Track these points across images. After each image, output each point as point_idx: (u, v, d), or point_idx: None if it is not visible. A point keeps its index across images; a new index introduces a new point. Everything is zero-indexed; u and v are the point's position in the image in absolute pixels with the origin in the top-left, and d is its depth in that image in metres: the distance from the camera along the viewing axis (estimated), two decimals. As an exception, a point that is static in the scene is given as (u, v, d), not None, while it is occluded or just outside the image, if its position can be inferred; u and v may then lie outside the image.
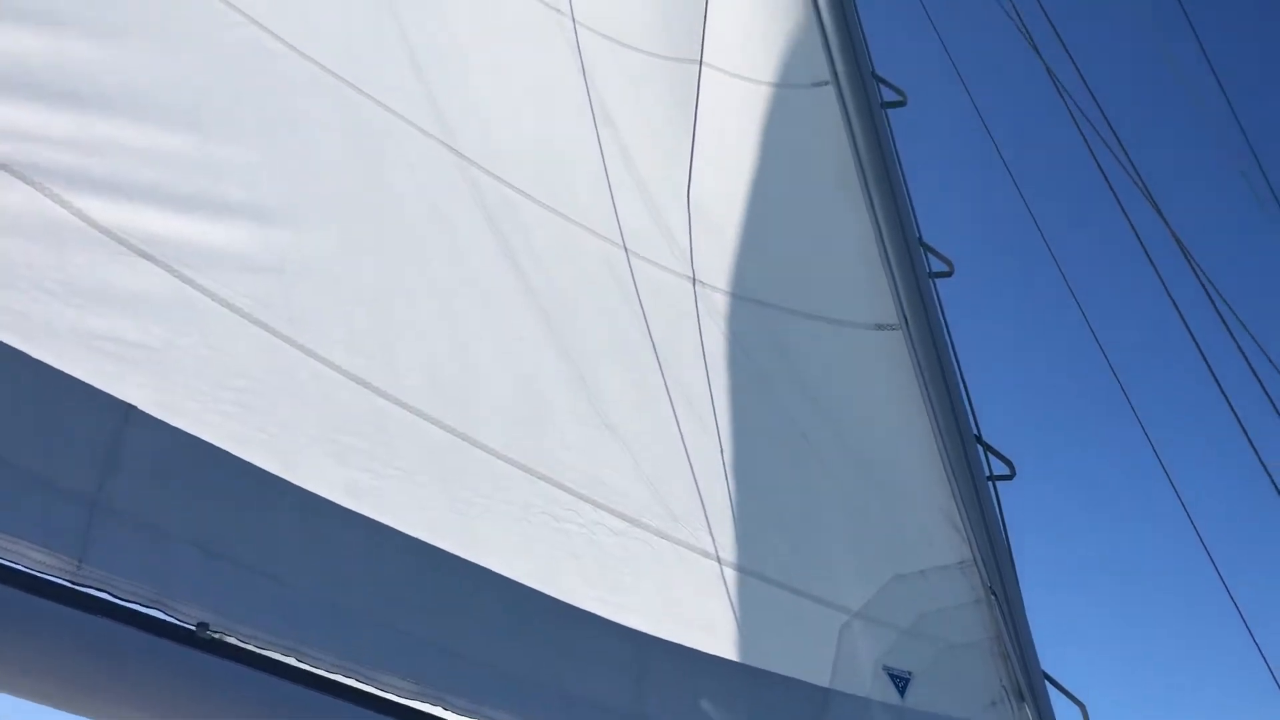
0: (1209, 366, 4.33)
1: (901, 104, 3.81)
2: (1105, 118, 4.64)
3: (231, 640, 1.98)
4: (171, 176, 2.36)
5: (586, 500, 2.63)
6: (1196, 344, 4.28)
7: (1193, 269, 3.96)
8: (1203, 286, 3.95)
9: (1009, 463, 3.30)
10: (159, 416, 2.09)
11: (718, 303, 3.29)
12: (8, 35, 2.25)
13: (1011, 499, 3.33)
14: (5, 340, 1.99)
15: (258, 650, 2.01)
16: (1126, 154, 4.17)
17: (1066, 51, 5.06)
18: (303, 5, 2.98)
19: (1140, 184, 4.04)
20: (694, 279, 3.30)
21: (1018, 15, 4.31)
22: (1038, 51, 4.16)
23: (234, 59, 2.69)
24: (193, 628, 1.94)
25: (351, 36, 3.08)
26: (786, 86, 3.89)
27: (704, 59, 3.87)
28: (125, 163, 2.30)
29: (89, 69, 2.37)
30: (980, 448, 3.29)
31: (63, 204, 2.15)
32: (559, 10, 3.73)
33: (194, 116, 2.50)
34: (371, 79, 2.98)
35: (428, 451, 2.44)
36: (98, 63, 2.39)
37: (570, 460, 2.67)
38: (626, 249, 3.25)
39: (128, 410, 2.05)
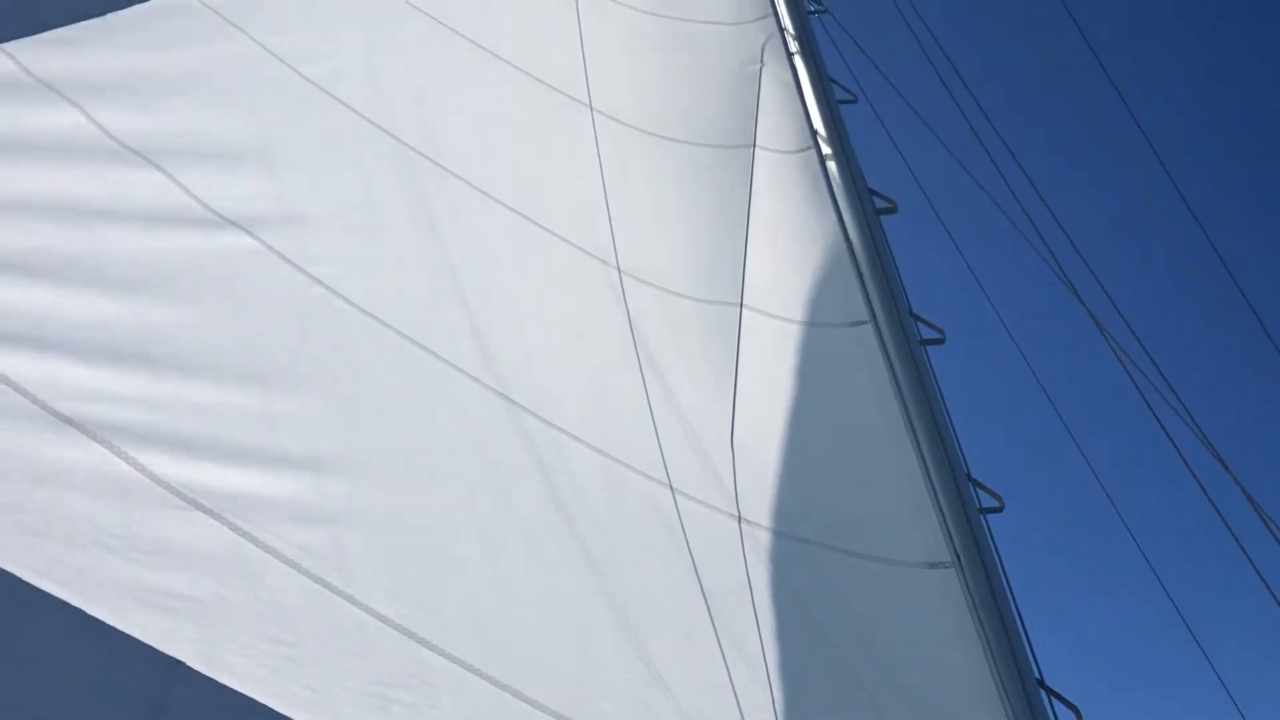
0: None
1: (940, 342, 3.89)
2: (1142, 345, 4.70)
3: None
4: (233, 431, 2.46)
5: None
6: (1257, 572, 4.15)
7: (1246, 495, 3.89)
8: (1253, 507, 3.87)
9: (1075, 708, 3.16)
10: (206, 672, 2.09)
11: (766, 542, 3.27)
12: (93, 303, 2.42)
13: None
14: (63, 596, 2.03)
15: None
16: (1170, 387, 4.18)
17: (1099, 283, 5.18)
18: (368, 266, 3.18)
19: (1186, 418, 4.03)
20: (741, 518, 3.30)
21: (1053, 257, 4.44)
22: (1075, 292, 4.25)
23: (300, 317, 2.85)
24: None
25: (411, 293, 3.25)
26: (825, 326, 4.00)
27: (744, 301, 4.00)
28: (190, 419, 2.40)
29: (163, 331, 2.52)
30: (1043, 692, 3.16)
31: (129, 460, 2.24)
32: (605, 261, 3.93)
33: (258, 372, 2.63)
34: (428, 332, 3.13)
35: (473, 705, 2.40)
36: (172, 324, 2.55)
37: (616, 712, 2.60)
38: (673, 489, 3.28)
39: (176, 666, 2.06)
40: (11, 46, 2.79)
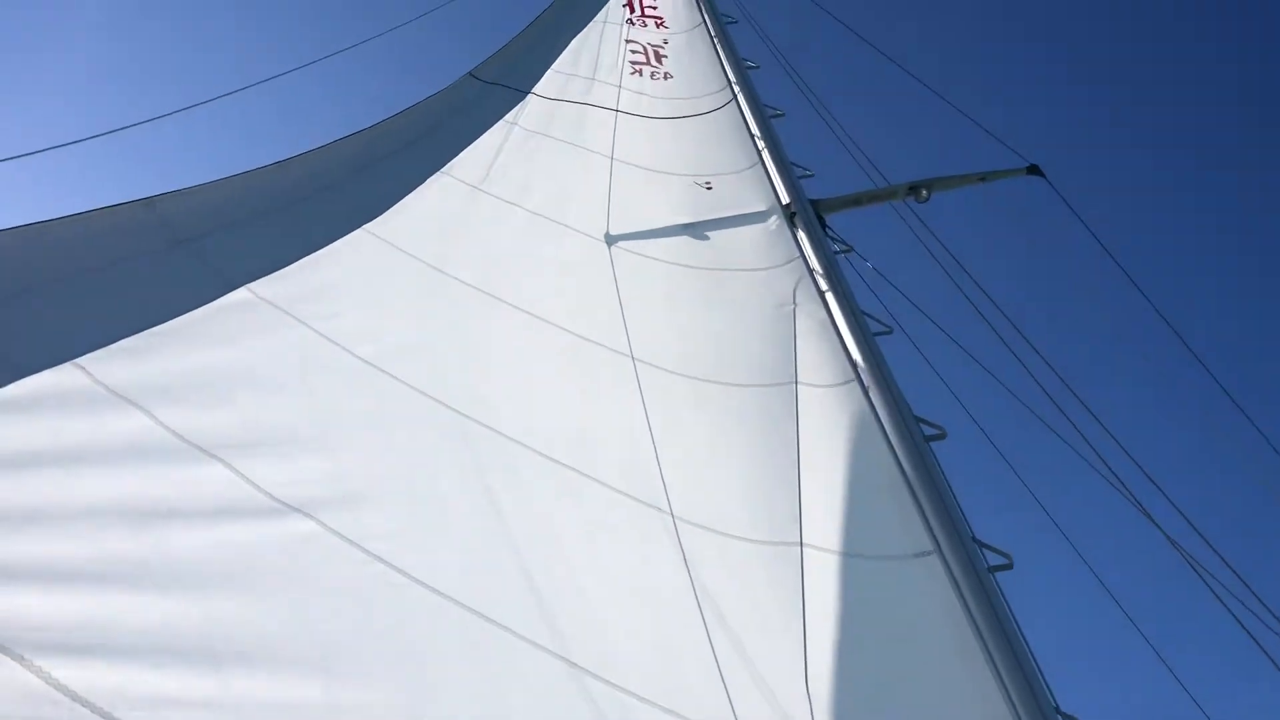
0: None
1: (1008, 567, 3.79)
2: (1206, 541, 4.55)
3: None
4: None
5: None
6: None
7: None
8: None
9: None
10: None
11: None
12: (159, 605, 2.45)
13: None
14: None
15: None
16: (1254, 592, 4.02)
17: (1164, 494, 5.07)
18: (425, 537, 3.21)
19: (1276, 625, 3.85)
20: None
21: (1110, 470, 4.39)
22: (1142, 509, 4.17)
23: (361, 598, 2.85)
24: None
25: (468, 560, 3.26)
26: (889, 559, 3.92)
27: (804, 540, 3.95)
28: (256, 716, 2.37)
29: (227, 626, 2.53)
30: None
31: None
32: (660, 510, 3.92)
33: (321, 660, 2.61)
34: (486, 599, 3.11)
35: None
36: (235, 619, 2.56)
37: None
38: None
39: None
40: (84, 360, 2.95)
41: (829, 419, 4.54)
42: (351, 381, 3.60)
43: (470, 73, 6.84)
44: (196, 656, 2.43)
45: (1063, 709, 3.36)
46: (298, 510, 2.94)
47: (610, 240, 5.68)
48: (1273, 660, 3.92)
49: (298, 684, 2.51)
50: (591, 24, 8.44)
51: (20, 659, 2.22)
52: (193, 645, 2.45)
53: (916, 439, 4.31)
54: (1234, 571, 4.10)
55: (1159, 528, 4.15)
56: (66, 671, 2.21)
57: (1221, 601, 4.01)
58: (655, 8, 9.05)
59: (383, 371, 3.71)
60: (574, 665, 3.07)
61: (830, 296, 5.12)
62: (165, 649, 2.40)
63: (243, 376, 3.30)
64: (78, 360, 2.92)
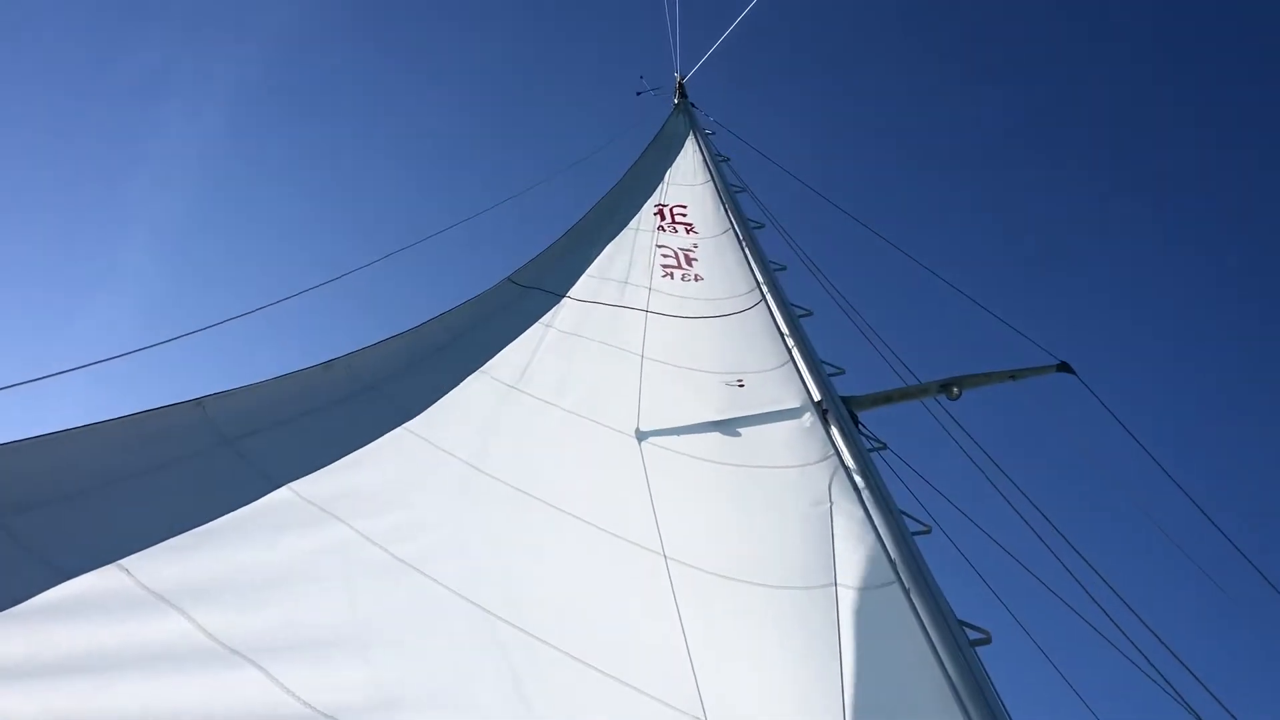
0: None
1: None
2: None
3: None
4: None
5: None
6: None
7: None
8: None
9: None
10: None
11: None
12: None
13: None
14: None
15: None
16: None
17: (1206, 689, 4.88)
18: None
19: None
20: None
21: (1153, 669, 4.23)
22: (1187, 704, 4.01)
23: None
24: None
25: None
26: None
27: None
28: None
29: None
30: None
31: None
32: (696, 717, 3.80)
33: None
34: None
35: None
36: None
37: None
38: None
39: None
40: (127, 561, 2.96)
41: (871, 623, 4.44)
42: (390, 582, 3.58)
43: (508, 278, 7.08)
44: None
45: None
46: (333, 718, 2.87)
47: (641, 436, 5.72)
48: None
49: None
50: (624, 231, 8.77)
51: None
52: None
53: (960, 644, 4.20)
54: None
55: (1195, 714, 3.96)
56: None
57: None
58: (685, 214, 9.41)
59: (421, 572, 3.69)
60: None
61: (866, 494, 5.09)
62: None
63: (282, 577, 3.29)
64: (120, 561, 2.93)
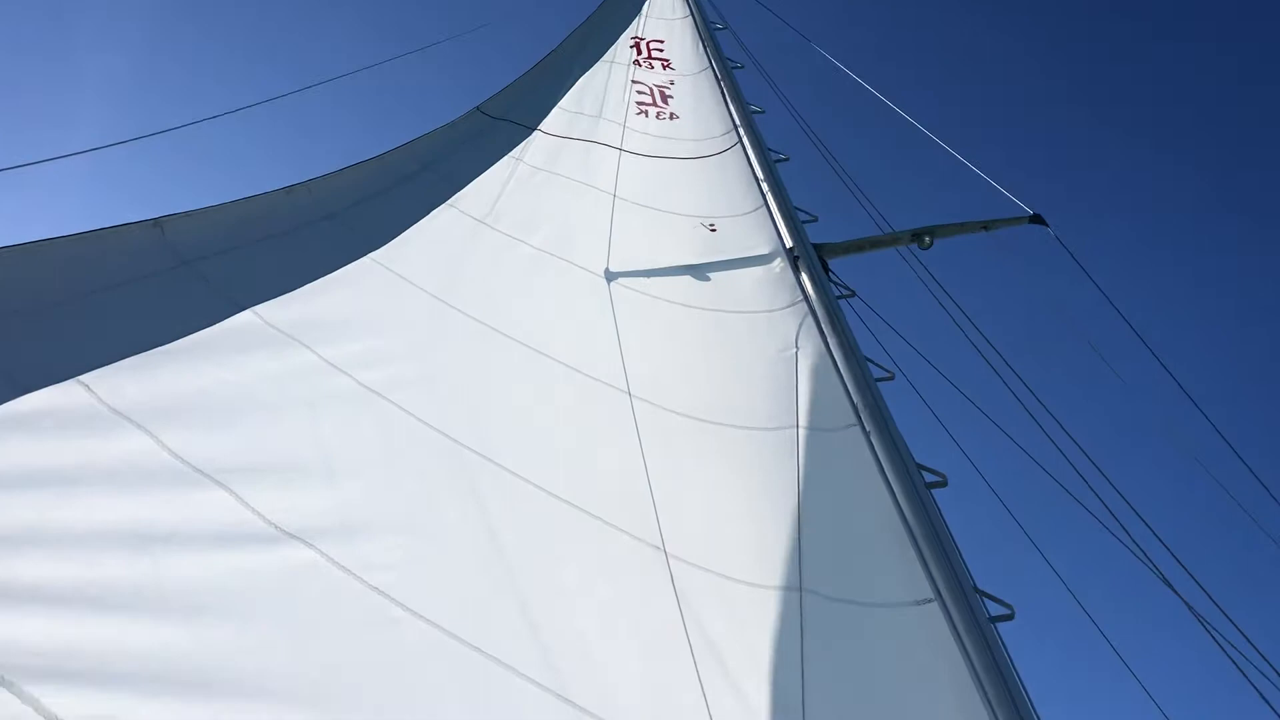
0: None
1: (1010, 618, 3.76)
2: (1208, 595, 4.52)
3: None
4: None
5: None
6: None
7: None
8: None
9: None
10: None
11: None
12: (154, 632, 2.40)
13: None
14: None
15: None
16: (1248, 640, 3.99)
17: (1156, 535, 5.05)
18: (424, 569, 3.16)
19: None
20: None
21: (1112, 518, 4.37)
22: (1147, 561, 4.15)
23: (359, 631, 2.80)
24: None
25: (468, 594, 3.21)
26: (890, 606, 3.89)
27: (803, 585, 3.91)
28: None
29: (223, 656, 2.48)
30: None
31: None
32: (657, 548, 3.89)
33: (318, 692, 2.56)
34: (486, 634, 3.06)
35: None
36: (232, 649, 2.51)
37: None
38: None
39: None
40: (88, 378, 2.92)
41: (831, 463, 4.52)
42: (355, 408, 3.57)
43: (478, 107, 6.87)
44: (191, 686, 2.38)
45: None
46: (298, 538, 2.90)
47: (610, 277, 5.68)
48: (1272, 708, 3.89)
49: (291, 715, 2.46)
50: (599, 64, 8.50)
51: (11, 686, 2.16)
52: (187, 674, 2.40)
53: (918, 486, 4.29)
54: (1234, 624, 4.07)
55: (1160, 575, 4.13)
56: (59, 700, 2.15)
57: (1225, 651, 3.98)
58: (662, 50, 9.12)
59: (387, 399, 3.68)
60: (572, 704, 3.02)
61: (832, 341, 5.11)
62: (160, 677, 2.35)
63: (247, 400, 3.27)
64: (81, 378, 2.89)
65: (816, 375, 4.98)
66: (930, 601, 3.82)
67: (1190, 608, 4.05)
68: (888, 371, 5.05)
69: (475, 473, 3.75)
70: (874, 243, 6.24)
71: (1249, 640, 4.04)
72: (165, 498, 2.74)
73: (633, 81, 8.35)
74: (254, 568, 2.74)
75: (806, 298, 5.47)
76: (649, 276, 5.86)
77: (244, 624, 2.58)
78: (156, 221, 3.72)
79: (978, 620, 3.71)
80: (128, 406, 2.92)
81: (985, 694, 3.45)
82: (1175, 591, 4.08)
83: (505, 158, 6.44)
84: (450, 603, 3.09)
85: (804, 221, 6.41)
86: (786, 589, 3.89)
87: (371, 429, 3.57)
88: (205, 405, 3.13)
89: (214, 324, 3.50)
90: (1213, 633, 3.95)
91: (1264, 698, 3.92)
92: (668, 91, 8.34)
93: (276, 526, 2.87)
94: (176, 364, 3.25)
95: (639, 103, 8.08)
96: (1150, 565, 4.16)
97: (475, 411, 4.05)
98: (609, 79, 8.30)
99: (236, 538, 2.78)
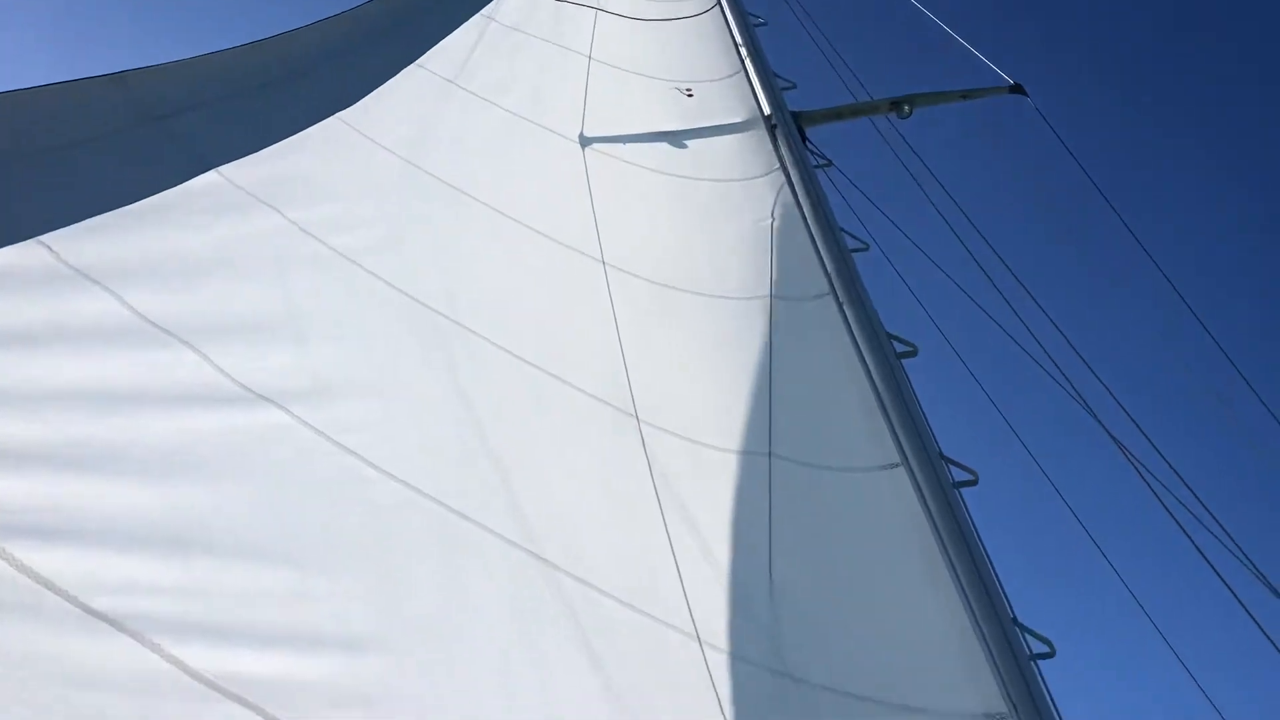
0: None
1: (973, 483, 3.84)
2: (1172, 467, 4.63)
3: None
4: (267, 614, 2.41)
5: None
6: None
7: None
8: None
9: None
10: None
11: (814, 699, 3.16)
12: (126, 491, 2.41)
13: None
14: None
15: None
16: (1205, 506, 4.11)
17: (1122, 407, 5.15)
18: (397, 432, 3.18)
19: (1225, 537, 3.95)
20: (788, 675, 3.19)
21: (1072, 387, 4.43)
22: (1101, 422, 4.23)
23: (332, 490, 2.83)
24: None
25: (440, 456, 3.24)
26: (856, 471, 3.96)
27: (772, 450, 3.98)
28: (225, 606, 2.36)
29: (195, 514, 2.50)
30: None
31: (160, 653, 2.19)
32: (629, 414, 3.92)
33: (291, 551, 2.60)
34: (459, 495, 3.10)
35: None
36: (204, 508, 2.53)
37: None
38: (714, 646, 3.19)
39: None
40: (48, 238, 2.86)
41: (802, 332, 4.55)
42: (325, 272, 3.53)
43: (448, -38, 6.61)
44: (164, 545, 2.40)
45: (1020, 619, 3.44)
46: (269, 400, 2.90)
47: (584, 142, 5.58)
48: (1216, 570, 4.04)
49: (266, 572, 2.50)
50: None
51: None
52: (160, 533, 2.42)
53: (888, 355, 4.33)
54: (1196, 495, 4.19)
55: (1120, 445, 4.22)
56: (34, 556, 2.17)
57: (1177, 522, 4.10)
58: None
59: (356, 264, 3.65)
60: (543, 560, 3.09)
61: (808, 210, 5.08)
62: (133, 535, 2.37)
63: (213, 262, 3.22)
64: (42, 238, 2.83)
65: (791, 244, 4.96)
66: (896, 466, 3.89)
67: (1144, 470, 4.15)
68: (862, 243, 5.04)
69: (447, 337, 3.75)
70: (853, 110, 6.15)
71: (1224, 529, 4.16)
72: (132, 358, 2.72)
73: (609, -63, 8.05)
74: (225, 429, 2.74)
75: (783, 166, 5.41)
76: (624, 143, 5.76)
77: (216, 484, 2.59)
78: (119, 76, 3.59)
79: (942, 485, 3.79)
80: (90, 266, 2.87)
81: (948, 556, 3.56)
82: (1129, 455, 4.18)
83: (477, 16, 6.24)
84: (422, 463, 3.12)
85: (782, 89, 6.30)
86: (756, 454, 3.95)
87: (341, 292, 3.54)
88: (170, 266, 3.09)
89: (179, 183, 3.42)
90: (1160, 495, 4.06)
91: (1214, 568, 4.06)
92: (645, -51, 8.05)
93: (246, 388, 2.86)
94: (140, 224, 3.18)
95: (616, -40, 7.80)
96: (1103, 427, 4.24)
97: (447, 277, 4.02)
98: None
99: (206, 399, 2.77)
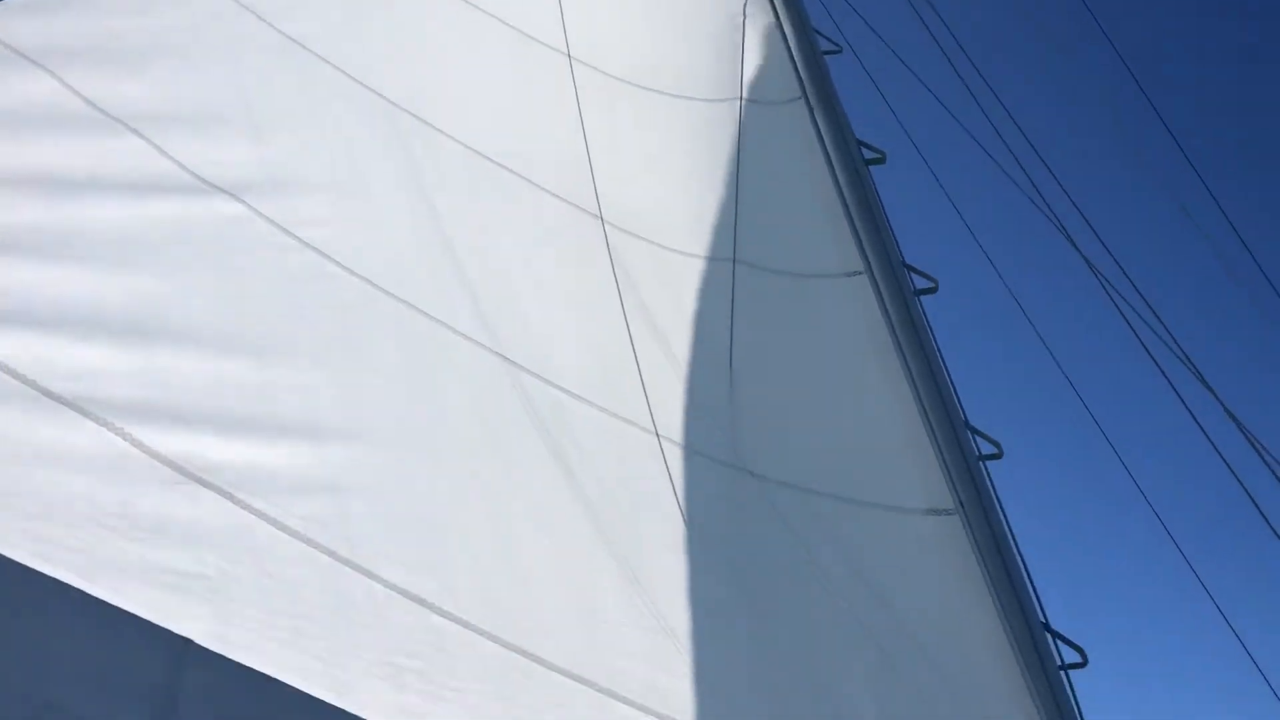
0: (1275, 531, 4.20)
1: (933, 291, 3.87)
2: (1133, 283, 4.69)
3: None
4: (229, 402, 2.41)
5: (647, 711, 2.55)
6: (1256, 504, 4.16)
7: (1246, 437, 3.91)
8: (1249, 440, 3.89)
9: (1080, 650, 3.18)
10: (214, 649, 2.06)
11: (771, 494, 3.26)
12: (81, 278, 2.36)
13: (1085, 685, 3.20)
14: (64, 578, 2.00)
15: None
16: (1165, 327, 4.18)
17: (1087, 222, 5.16)
18: (358, 228, 3.12)
19: (1182, 355, 4.04)
20: (746, 470, 3.29)
21: (1042, 199, 4.42)
22: (1068, 236, 4.24)
23: (292, 283, 2.80)
24: None
25: (402, 254, 3.20)
26: (820, 277, 3.98)
27: (737, 256, 3.97)
28: (186, 392, 2.36)
29: (153, 303, 2.47)
30: (1049, 635, 3.18)
31: (126, 437, 2.20)
32: (595, 215, 3.88)
33: (252, 342, 2.58)
34: (421, 293, 3.08)
35: (484, 669, 2.38)
36: (162, 296, 2.49)
37: (629, 668, 2.60)
38: (675, 442, 3.26)
39: (184, 644, 2.03)
40: None
41: (770, 137, 4.47)
42: (278, 60, 3.38)
43: None
44: (122, 331, 2.38)
45: (972, 423, 3.53)
46: (223, 191, 2.82)
47: None
48: (1171, 383, 4.14)
49: (228, 362, 2.49)
50: None
51: None
52: (117, 320, 2.39)
53: (856, 162, 4.28)
54: (1148, 303, 4.25)
55: (1078, 249, 4.25)
56: None
57: (1129, 322, 4.18)
58: None
59: (311, 52, 3.49)
60: (508, 360, 3.10)
61: (782, 9, 4.91)
62: (89, 321, 2.34)
63: (158, 45, 3.06)
64: None
65: (763, 45, 4.81)
66: (859, 274, 3.91)
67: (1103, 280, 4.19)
68: (835, 45, 4.89)
69: (408, 133, 3.64)
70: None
71: (1154, 311, 4.23)
72: (79, 144, 2.62)
73: None
74: (178, 217, 2.68)
75: (756, -39, 5.18)
76: None
77: (173, 273, 2.55)
78: None
79: (903, 292, 3.82)
80: (29, 46, 2.72)
81: (905, 361, 3.61)
82: (1083, 256, 4.21)
83: None
84: (385, 260, 3.08)
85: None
86: (720, 259, 3.95)
87: (296, 83, 3.40)
88: (113, 48, 2.93)
89: None
90: (1122, 307, 4.12)
91: (1174, 388, 4.16)
92: None
93: (199, 178, 2.78)
94: (82, 3, 3.01)
95: None
96: (1064, 233, 4.26)
97: (407, 69, 3.87)
98: None
99: (158, 188, 2.69)
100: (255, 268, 2.74)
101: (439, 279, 3.20)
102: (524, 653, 2.46)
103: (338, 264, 2.92)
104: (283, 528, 2.30)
